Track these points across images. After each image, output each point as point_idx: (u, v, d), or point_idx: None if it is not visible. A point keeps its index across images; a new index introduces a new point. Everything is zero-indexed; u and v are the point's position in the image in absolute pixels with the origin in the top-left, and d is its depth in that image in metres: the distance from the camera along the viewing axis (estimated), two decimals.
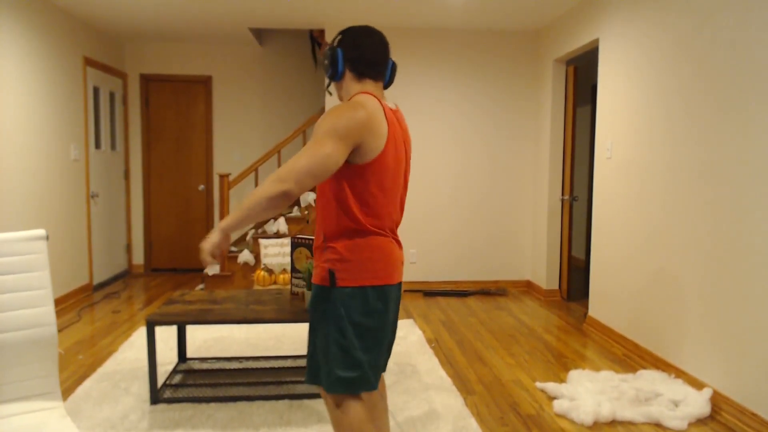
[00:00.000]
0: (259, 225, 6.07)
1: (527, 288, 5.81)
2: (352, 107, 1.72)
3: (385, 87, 1.97)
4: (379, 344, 1.86)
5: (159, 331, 4.19)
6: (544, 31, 5.48)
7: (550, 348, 3.93)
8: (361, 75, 1.87)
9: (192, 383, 3.17)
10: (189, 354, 3.70)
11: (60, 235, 4.93)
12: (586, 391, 2.98)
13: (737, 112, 2.81)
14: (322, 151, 1.65)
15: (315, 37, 5.88)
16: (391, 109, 1.88)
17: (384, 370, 2.03)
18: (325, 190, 1.84)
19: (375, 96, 1.83)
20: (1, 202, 4.11)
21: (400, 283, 1.97)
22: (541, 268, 5.49)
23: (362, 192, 1.78)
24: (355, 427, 1.84)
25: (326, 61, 1.89)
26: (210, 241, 1.75)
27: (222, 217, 5.35)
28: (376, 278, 1.82)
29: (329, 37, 5.45)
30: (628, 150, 3.89)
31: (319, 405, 2.91)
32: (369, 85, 1.88)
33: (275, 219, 5.92)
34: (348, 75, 1.89)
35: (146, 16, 5.21)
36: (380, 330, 1.85)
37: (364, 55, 1.85)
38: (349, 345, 1.80)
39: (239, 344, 3.91)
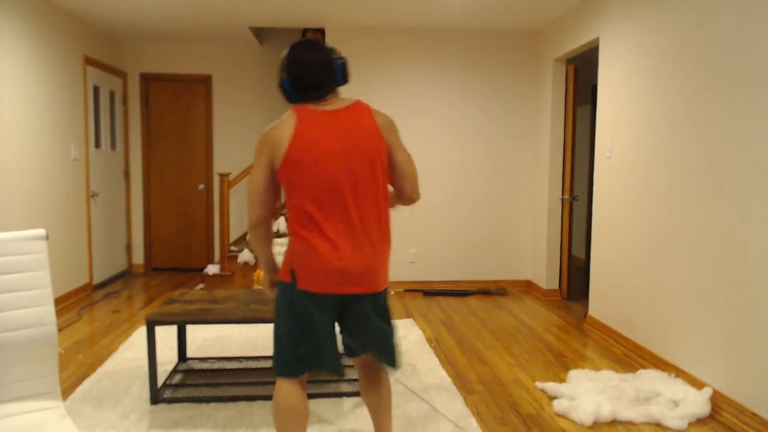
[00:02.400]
0: None
1: (527, 288, 5.81)
2: (264, 132, 1.97)
3: (339, 85, 1.99)
4: (298, 338, 1.96)
5: (159, 330, 4.19)
6: (544, 31, 5.48)
7: (550, 347, 3.93)
8: (305, 99, 1.99)
9: (192, 383, 3.17)
10: (189, 354, 3.70)
11: (60, 234, 4.93)
12: (586, 390, 2.98)
13: (737, 111, 2.81)
14: (252, 178, 1.96)
15: None
16: (325, 111, 1.92)
17: (339, 362, 2.01)
18: None
19: (299, 109, 1.94)
20: (1, 202, 4.11)
21: (337, 295, 1.91)
22: (541, 267, 5.49)
23: (289, 196, 1.93)
24: (279, 409, 2.01)
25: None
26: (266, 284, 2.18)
27: (222, 216, 5.38)
28: (298, 279, 1.93)
29: (330, 40, 5.44)
30: (628, 150, 3.89)
31: (319, 405, 2.91)
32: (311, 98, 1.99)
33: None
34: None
35: (146, 16, 5.21)
36: (297, 324, 1.95)
37: (295, 82, 1.96)
38: (278, 333, 2.00)
39: (239, 344, 3.91)
